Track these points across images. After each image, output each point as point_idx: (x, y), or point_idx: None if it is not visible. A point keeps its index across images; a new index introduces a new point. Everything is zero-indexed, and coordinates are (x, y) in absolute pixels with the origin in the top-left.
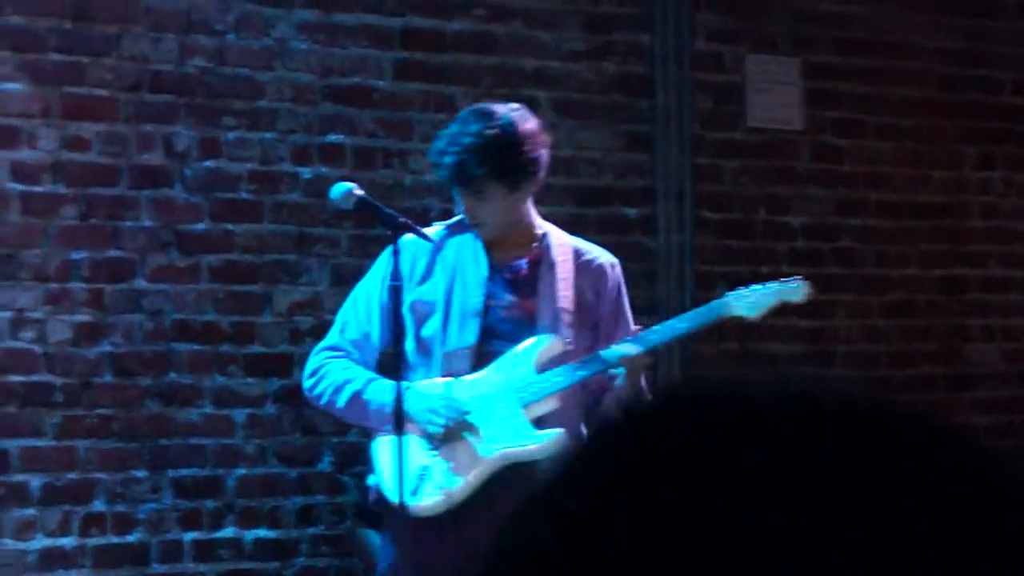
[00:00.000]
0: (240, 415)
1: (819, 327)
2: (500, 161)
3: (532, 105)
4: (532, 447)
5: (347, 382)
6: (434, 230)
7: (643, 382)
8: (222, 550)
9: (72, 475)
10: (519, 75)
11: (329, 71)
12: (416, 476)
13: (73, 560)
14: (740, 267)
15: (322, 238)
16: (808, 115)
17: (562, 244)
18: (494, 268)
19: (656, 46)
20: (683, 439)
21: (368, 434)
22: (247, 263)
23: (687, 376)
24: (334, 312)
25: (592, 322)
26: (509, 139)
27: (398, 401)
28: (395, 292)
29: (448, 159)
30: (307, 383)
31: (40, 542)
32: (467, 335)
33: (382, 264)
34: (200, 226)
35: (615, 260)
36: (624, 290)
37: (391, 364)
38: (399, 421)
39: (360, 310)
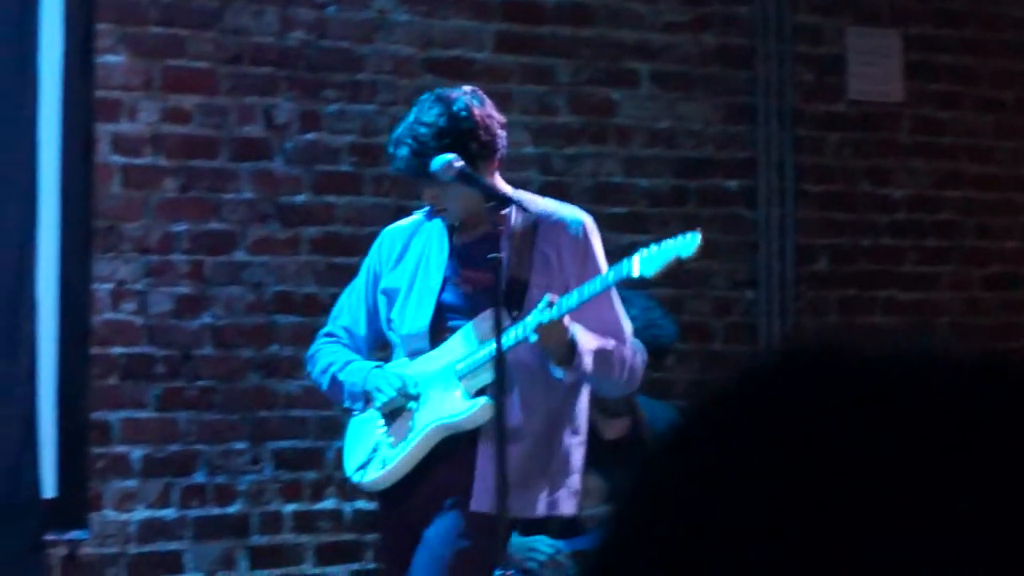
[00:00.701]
0: None
1: (921, 299)
2: (456, 150)
3: (632, 77)
4: (459, 418)
5: (330, 364)
6: (413, 218)
7: (572, 348)
8: (322, 521)
9: (173, 447)
10: (618, 47)
11: (429, 43)
12: (369, 452)
13: (174, 531)
14: (841, 239)
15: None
16: (909, 87)
17: (528, 212)
18: (455, 248)
19: (756, 18)
20: (808, 397)
21: None
22: (347, 235)
23: (809, 337)
24: None
25: (562, 284)
26: (463, 125)
27: (499, 373)
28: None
29: (403, 151)
30: (308, 368)
31: (141, 513)
32: (422, 316)
33: (369, 254)
34: (300, 198)
35: (582, 218)
36: (594, 248)
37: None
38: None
39: (352, 298)
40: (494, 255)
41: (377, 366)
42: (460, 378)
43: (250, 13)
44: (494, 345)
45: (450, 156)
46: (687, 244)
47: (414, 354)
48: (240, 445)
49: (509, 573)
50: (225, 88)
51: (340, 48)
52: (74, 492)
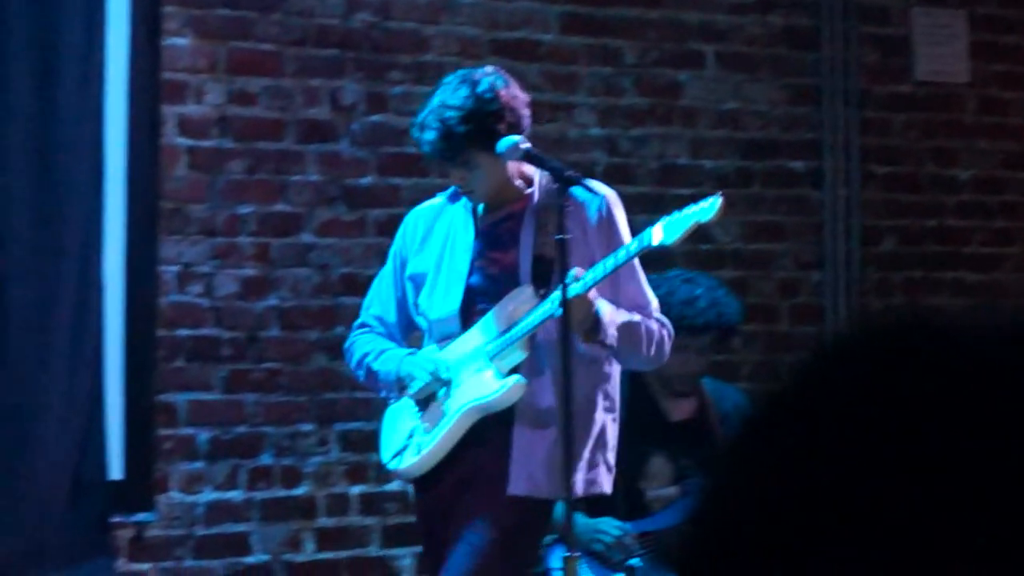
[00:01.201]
0: None
1: (986, 280)
2: (483, 131)
3: (697, 58)
4: (491, 398)
5: (365, 355)
6: (436, 201)
7: (596, 322)
8: (388, 503)
9: (240, 428)
10: (684, 28)
11: (495, 25)
12: (404, 438)
13: (240, 513)
14: (907, 220)
15: None
16: (975, 68)
17: (550, 190)
18: (480, 230)
19: None
20: (888, 379)
21: None
22: None
23: (903, 310)
24: None
25: (587, 261)
26: (489, 107)
27: (565, 354)
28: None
29: (430, 135)
30: (346, 359)
31: (208, 495)
32: (451, 300)
33: (396, 240)
34: (366, 180)
35: (606, 193)
36: (617, 223)
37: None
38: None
39: (382, 286)
40: (560, 236)
41: (409, 353)
42: (491, 359)
43: None
44: (523, 324)
45: (516, 137)
46: (707, 209)
47: (444, 339)
48: (306, 427)
49: (575, 555)
50: (291, 70)
51: (406, 29)
52: (140, 474)
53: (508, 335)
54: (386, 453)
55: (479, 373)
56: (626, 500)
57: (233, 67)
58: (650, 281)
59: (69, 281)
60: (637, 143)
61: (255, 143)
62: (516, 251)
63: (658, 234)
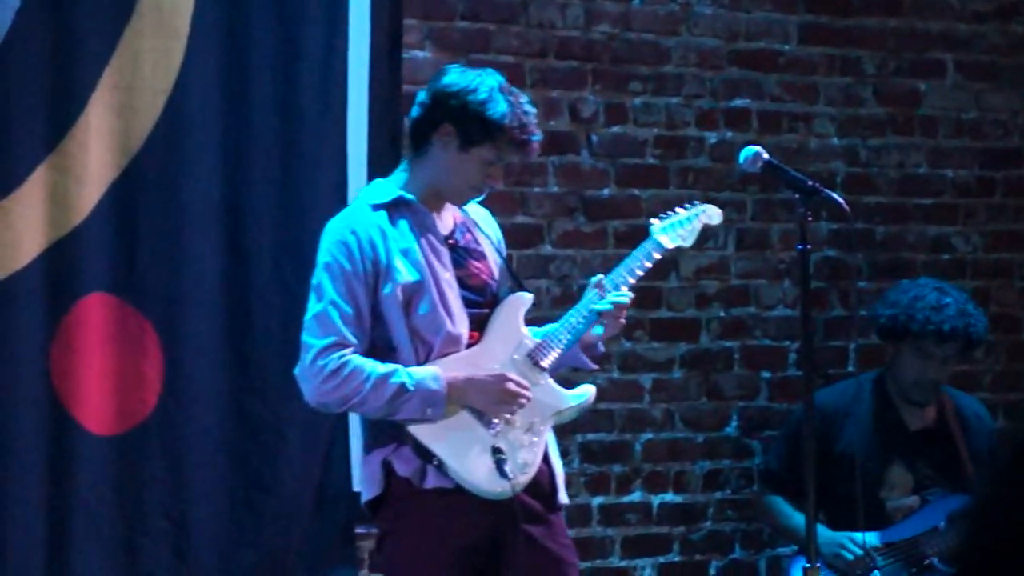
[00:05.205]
0: (647, 380)
1: None
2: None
3: (938, 67)
4: (578, 406)
5: (387, 376)
6: (361, 209)
7: None
8: (629, 514)
9: None
10: (924, 37)
11: (734, 36)
12: (491, 456)
13: None
14: None
15: (727, 202)
16: None
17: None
18: (446, 240)
19: None
20: None
21: None
22: None
23: None
24: (741, 276)
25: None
26: None
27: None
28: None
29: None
30: (332, 382)
31: None
32: (463, 315)
33: (346, 253)
34: (606, 191)
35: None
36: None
37: None
38: None
39: (348, 303)
40: (801, 245)
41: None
42: (546, 368)
43: (556, 7)
44: (566, 332)
45: (756, 148)
46: (711, 214)
47: (440, 356)
48: None
49: (816, 566)
50: (531, 82)
51: (645, 41)
52: None
53: (559, 341)
54: (477, 475)
55: (545, 384)
56: (866, 509)
57: None
58: (901, 286)
59: None
60: (877, 153)
61: None
62: (486, 261)
63: (672, 239)
